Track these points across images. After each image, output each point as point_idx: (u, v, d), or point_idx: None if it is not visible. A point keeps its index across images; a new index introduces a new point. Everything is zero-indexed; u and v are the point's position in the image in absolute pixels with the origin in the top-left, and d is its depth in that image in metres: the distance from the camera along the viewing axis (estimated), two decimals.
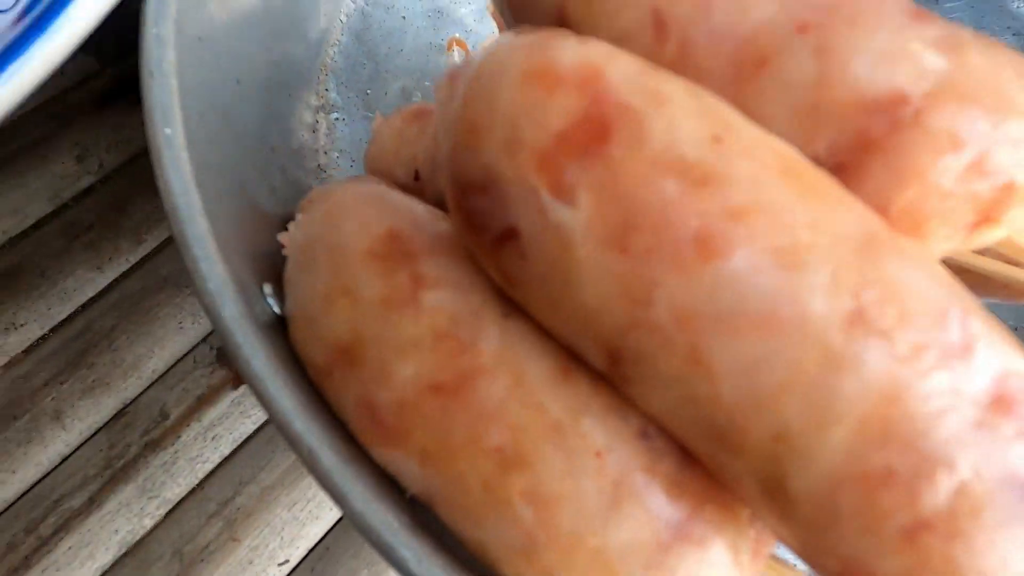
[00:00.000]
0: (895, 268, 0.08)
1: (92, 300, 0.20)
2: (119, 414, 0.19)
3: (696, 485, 0.09)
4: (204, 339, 0.20)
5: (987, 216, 0.09)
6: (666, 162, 0.08)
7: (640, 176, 0.08)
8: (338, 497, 0.09)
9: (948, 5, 0.27)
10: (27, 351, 0.20)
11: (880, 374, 0.07)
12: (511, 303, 0.10)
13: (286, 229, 0.14)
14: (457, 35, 0.24)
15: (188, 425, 0.19)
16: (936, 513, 0.07)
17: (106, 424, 0.19)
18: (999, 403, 0.07)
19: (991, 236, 0.10)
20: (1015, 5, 0.27)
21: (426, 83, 0.24)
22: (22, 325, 0.20)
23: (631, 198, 0.08)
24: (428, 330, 0.10)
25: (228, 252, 0.12)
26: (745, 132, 0.08)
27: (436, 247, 0.11)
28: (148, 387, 0.20)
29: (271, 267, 0.14)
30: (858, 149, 0.09)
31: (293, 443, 0.10)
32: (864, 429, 0.07)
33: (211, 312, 0.10)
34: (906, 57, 0.09)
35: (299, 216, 0.14)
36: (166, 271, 0.21)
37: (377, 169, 0.20)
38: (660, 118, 0.08)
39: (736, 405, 0.07)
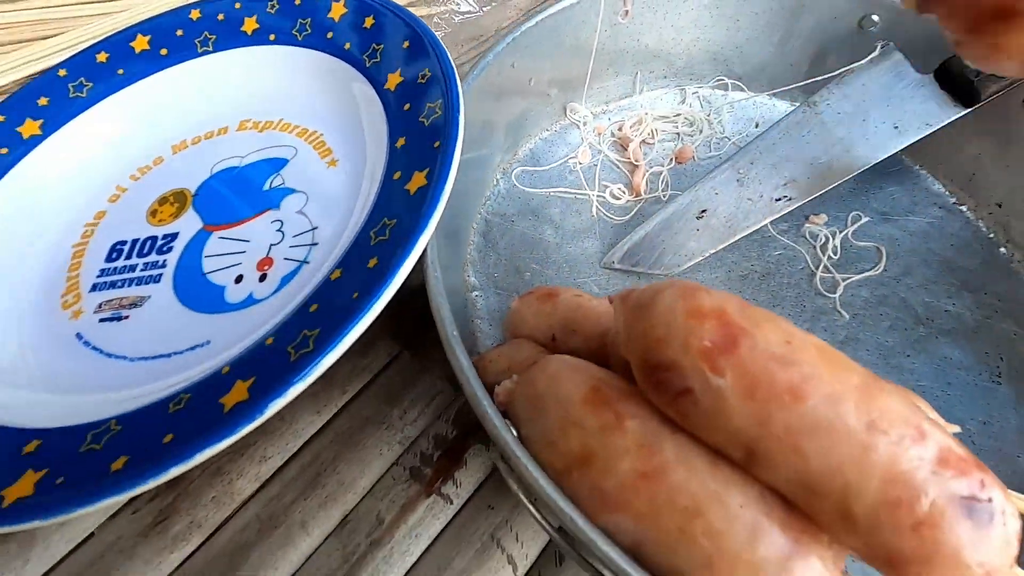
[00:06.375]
0: (891, 403, 0.16)
1: (315, 436, 0.28)
2: (344, 521, 0.26)
3: (797, 523, 0.17)
4: (396, 461, 0.28)
5: None
6: (767, 354, 0.16)
7: (756, 362, 0.16)
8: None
9: (890, 189, 0.38)
10: (274, 476, 0.27)
11: (885, 453, 0.15)
12: (674, 424, 0.18)
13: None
14: (549, 232, 0.35)
15: (398, 527, 0.26)
16: (924, 516, 0.14)
17: (335, 529, 0.26)
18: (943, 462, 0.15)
19: None
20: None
21: (533, 265, 0.34)
22: (270, 458, 0.27)
23: (753, 374, 0.16)
24: (632, 443, 0.18)
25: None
26: (798, 338, 0.17)
27: (622, 396, 0.19)
28: (362, 499, 0.27)
29: None
30: None
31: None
32: (885, 479, 0.15)
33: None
34: None
35: (515, 376, 0.22)
36: (366, 412, 0.29)
37: (518, 334, 0.29)
38: (759, 333, 0.17)
39: (820, 473, 0.15)
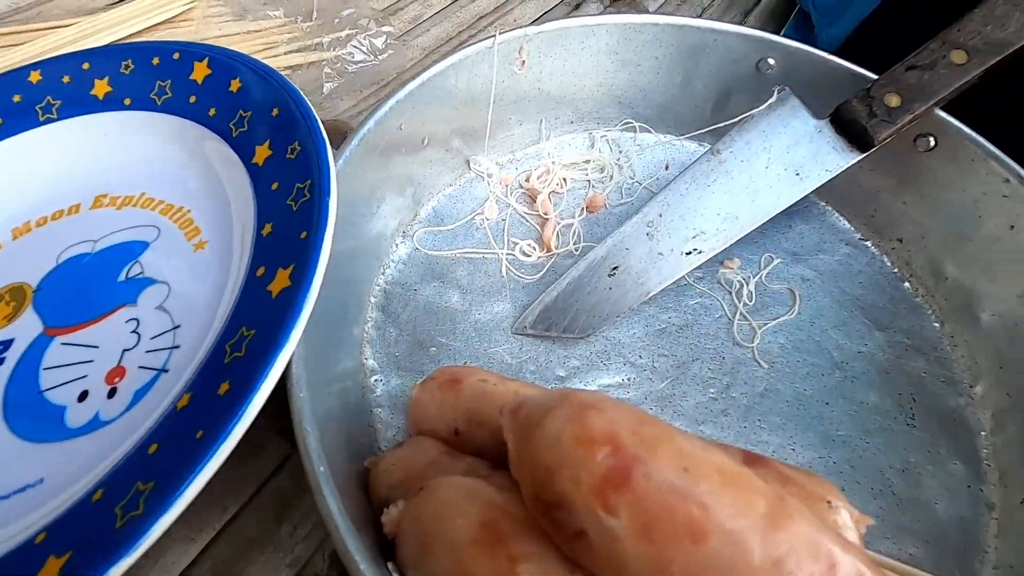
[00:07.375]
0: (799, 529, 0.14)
1: (188, 568, 0.24)
2: None
3: None
4: None
5: None
6: (664, 486, 0.14)
7: (652, 498, 0.14)
8: None
9: (799, 227, 0.38)
10: None
11: None
12: (573, 563, 0.16)
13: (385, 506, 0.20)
14: (455, 298, 0.32)
15: None
16: None
17: None
18: None
19: None
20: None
21: (439, 338, 0.31)
22: None
23: (649, 511, 0.14)
24: None
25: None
26: (697, 460, 0.15)
27: (518, 528, 0.17)
28: None
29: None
30: None
31: None
32: None
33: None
34: None
35: (400, 503, 0.20)
36: (250, 532, 0.25)
37: (421, 429, 0.26)
38: (655, 462, 0.15)
39: None
